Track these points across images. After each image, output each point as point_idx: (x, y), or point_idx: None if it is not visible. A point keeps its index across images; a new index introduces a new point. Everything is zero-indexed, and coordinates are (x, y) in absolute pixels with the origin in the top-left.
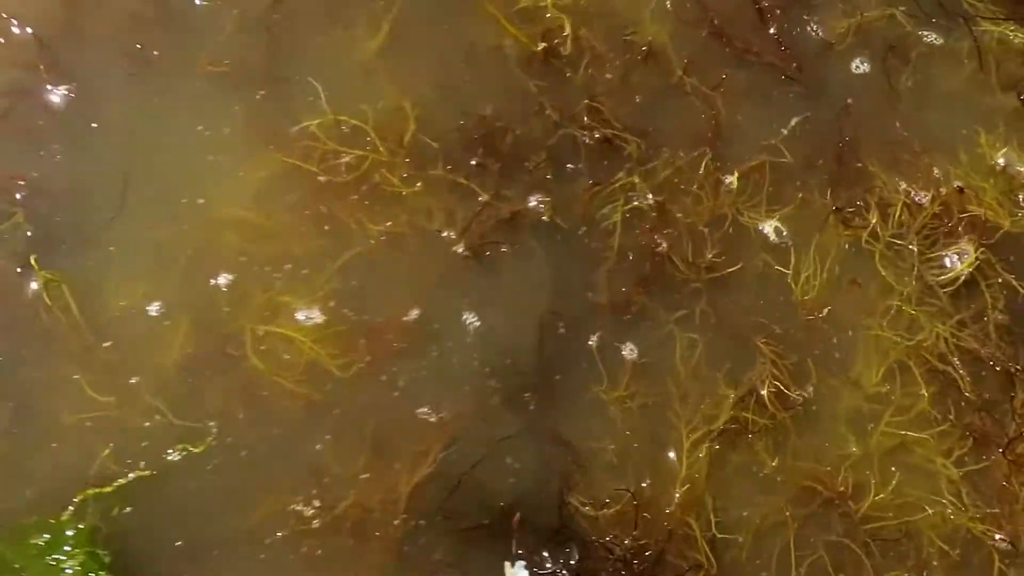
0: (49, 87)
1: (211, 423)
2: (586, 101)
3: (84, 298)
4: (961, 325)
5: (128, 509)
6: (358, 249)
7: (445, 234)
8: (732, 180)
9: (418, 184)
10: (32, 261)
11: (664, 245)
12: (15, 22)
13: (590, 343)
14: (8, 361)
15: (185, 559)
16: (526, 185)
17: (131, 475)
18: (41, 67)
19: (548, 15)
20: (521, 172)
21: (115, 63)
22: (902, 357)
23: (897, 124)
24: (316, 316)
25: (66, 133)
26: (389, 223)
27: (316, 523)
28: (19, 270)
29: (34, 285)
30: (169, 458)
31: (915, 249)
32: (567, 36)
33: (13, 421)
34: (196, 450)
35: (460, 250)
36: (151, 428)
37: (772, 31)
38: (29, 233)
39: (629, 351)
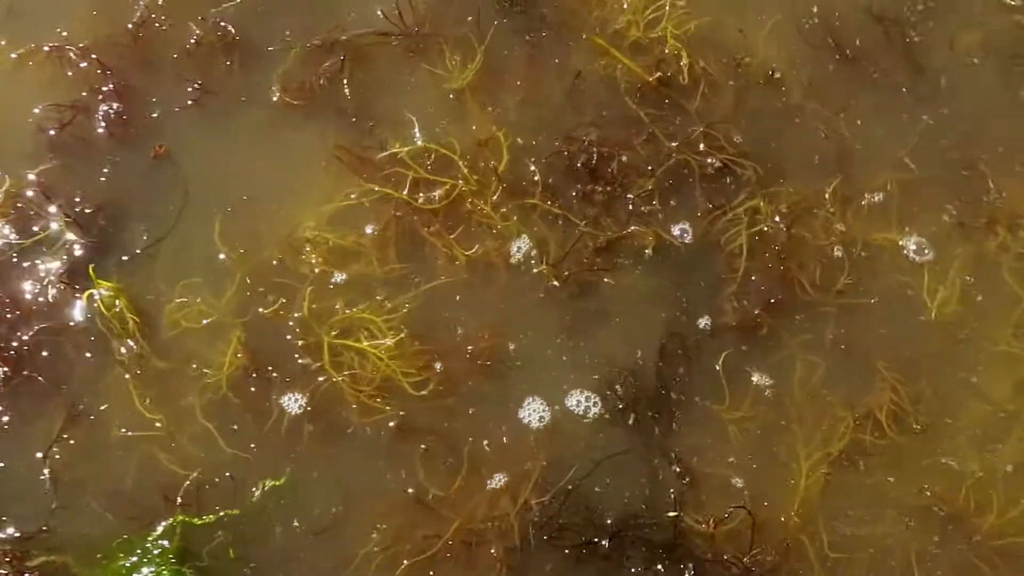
0: (108, 110)
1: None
2: (702, 128)
3: (151, 312)
4: None
5: (219, 535)
6: (444, 275)
7: (533, 268)
8: (864, 202)
9: (512, 212)
10: (90, 271)
11: (792, 268)
12: (79, 47)
13: (716, 365)
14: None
15: None
16: (636, 211)
17: (221, 512)
18: (103, 91)
19: (664, 47)
20: (629, 198)
21: (182, 89)
22: None
23: None
24: (400, 335)
25: (132, 156)
26: (477, 251)
27: (428, 552)
28: (77, 285)
29: (91, 299)
30: (255, 493)
31: None
32: (684, 65)
33: (77, 434)
34: (278, 483)
35: (547, 273)
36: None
37: (898, 48)
38: (87, 245)
39: (757, 375)
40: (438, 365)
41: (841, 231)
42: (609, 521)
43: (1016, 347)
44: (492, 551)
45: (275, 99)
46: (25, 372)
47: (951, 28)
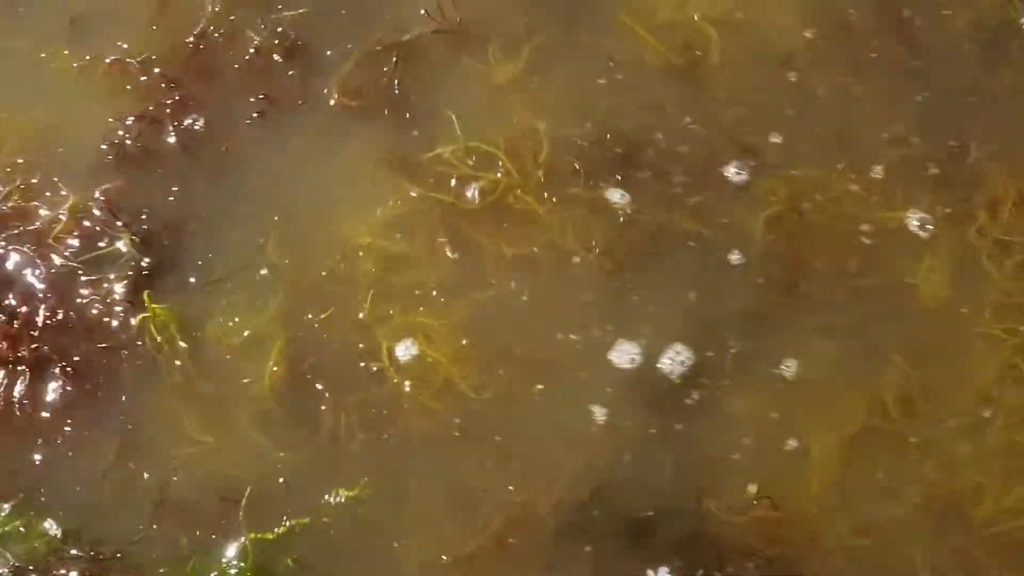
0: (175, 123)
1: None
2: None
3: (196, 328)
4: None
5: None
6: (493, 274)
7: (580, 257)
8: (873, 174)
9: (554, 204)
10: (145, 297)
11: (803, 251)
12: (138, 61)
13: (731, 351)
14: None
15: None
16: (668, 200)
17: (289, 523)
18: (168, 104)
19: (692, 27)
20: (664, 187)
21: (242, 100)
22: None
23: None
24: (453, 340)
25: (194, 169)
26: (525, 246)
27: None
28: (128, 301)
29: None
30: (329, 500)
31: None
32: (713, 47)
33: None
34: (352, 493)
35: (604, 267)
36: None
37: (899, 28)
38: (144, 262)
39: (779, 364)
40: (495, 365)
41: (849, 212)
42: (640, 513)
43: (995, 330)
44: (529, 545)
45: (330, 104)
46: (86, 386)
47: (946, 6)
